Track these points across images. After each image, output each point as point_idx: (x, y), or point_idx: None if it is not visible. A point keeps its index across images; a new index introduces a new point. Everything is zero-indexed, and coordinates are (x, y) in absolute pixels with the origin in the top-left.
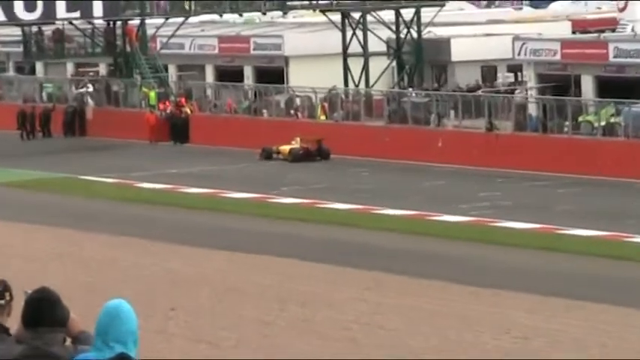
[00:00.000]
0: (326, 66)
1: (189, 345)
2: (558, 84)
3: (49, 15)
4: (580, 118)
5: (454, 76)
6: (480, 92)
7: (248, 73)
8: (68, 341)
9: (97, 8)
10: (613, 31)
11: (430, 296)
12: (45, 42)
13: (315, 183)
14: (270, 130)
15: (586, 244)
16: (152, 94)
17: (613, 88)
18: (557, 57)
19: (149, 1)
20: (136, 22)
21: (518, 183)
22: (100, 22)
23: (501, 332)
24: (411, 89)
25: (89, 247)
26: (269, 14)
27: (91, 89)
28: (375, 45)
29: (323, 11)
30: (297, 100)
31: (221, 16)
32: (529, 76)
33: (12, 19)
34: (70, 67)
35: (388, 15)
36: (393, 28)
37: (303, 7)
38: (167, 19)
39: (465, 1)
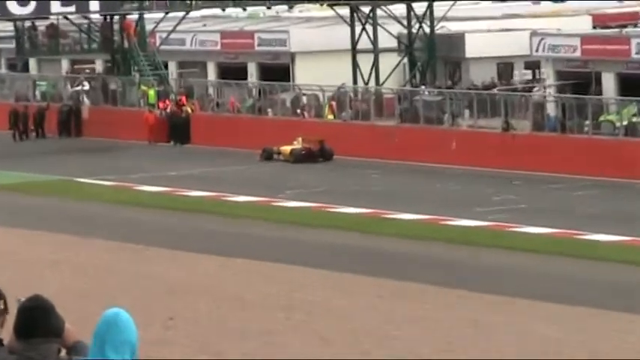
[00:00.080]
0: (334, 63)
1: (190, 357)
2: (578, 81)
3: (43, 9)
4: (601, 118)
5: (469, 74)
6: (495, 90)
7: (252, 70)
8: (63, 352)
9: (94, 2)
10: (635, 25)
11: (444, 305)
12: (39, 38)
13: (322, 185)
14: (275, 130)
15: (607, 250)
16: (151, 92)
17: (636, 85)
18: (577, 53)
19: None
20: (135, 16)
21: (536, 185)
22: (96, 17)
23: (518, 344)
24: (423, 87)
25: (85, 253)
26: (274, 8)
27: (87, 87)
28: (385, 41)
29: (331, 5)
30: (304, 99)
31: (224, 10)
32: (547, 74)
33: (4, 14)
34: (65, 64)
35: (399, 9)
36: (405, 22)
37: (309, 1)
38: (167, 13)
39: None
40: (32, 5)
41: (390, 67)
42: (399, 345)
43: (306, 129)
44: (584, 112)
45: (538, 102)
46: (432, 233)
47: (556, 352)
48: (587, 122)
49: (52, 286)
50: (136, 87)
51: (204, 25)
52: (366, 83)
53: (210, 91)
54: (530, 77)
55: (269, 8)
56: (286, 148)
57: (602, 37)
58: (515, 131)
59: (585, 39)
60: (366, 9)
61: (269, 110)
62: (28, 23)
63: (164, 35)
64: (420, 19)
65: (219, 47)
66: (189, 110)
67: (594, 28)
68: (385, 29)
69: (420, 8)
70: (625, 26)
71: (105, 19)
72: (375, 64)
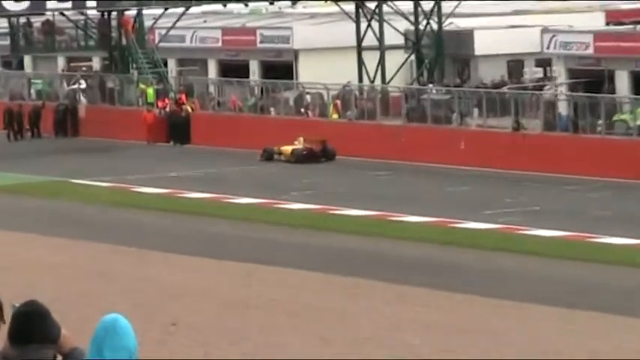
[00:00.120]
0: (338, 60)
1: (191, 356)
2: (591, 80)
3: (38, 5)
4: (614, 117)
5: (478, 72)
6: (505, 89)
7: (254, 68)
8: (59, 359)
9: None
10: None
11: (453, 310)
12: (34, 34)
13: (326, 187)
14: (278, 130)
15: (620, 253)
16: (150, 90)
17: None
18: (590, 50)
19: None
20: (133, 12)
21: (548, 187)
22: (93, 13)
23: (529, 351)
24: (430, 85)
25: (82, 257)
26: (277, 4)
27: (83, 85)
28: (391, 37)
29: (335, 0)
30: (308, 98)
31: (225, 5)
32: (559, 72)
33: None
34: (61, 62)
35: (406, 5)
36: (412, 19)
37: None
38: (166, 9)
39: None
40: (27, 1)
41: (396, 64)
42: (406, 350)
43: (310, 129)
44: (596, 111)
45: (549, 101)
46: (439, 236)
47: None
48: (600, 122)
49: (48, 290)
50: (135, 85)
51: (205, 22)
52: (372, 81)
53: (211, 89)
54: (541, 75)
55: (272, 4)
56: (287, 148)
57: (615, 33)
58: (525, 131)
59: (598, 36)
60: (371, 5)
61: (272, 109)
62: (23, 19)
63: (163, 32)
64: (428, 15)
65: (220, 44)
66: (189, 109)
67: (607, 24)
68: (392, 26)
69: (427, 4)
70: (639, 22)
71: (102, 15)
72: (381, 62)
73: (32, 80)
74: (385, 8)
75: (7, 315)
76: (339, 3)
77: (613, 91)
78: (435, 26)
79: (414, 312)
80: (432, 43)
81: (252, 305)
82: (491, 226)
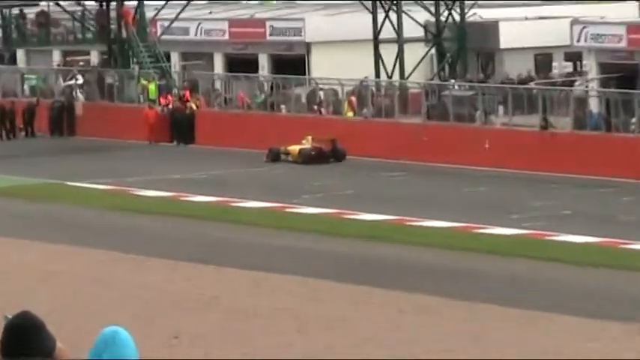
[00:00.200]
0: (354, 54)
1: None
2: (624, 75)
3: None
4: None
5: (503, 66)
6: (533, 84)
7: (263, 62)
8: None
9: None
10: None
11: (474, 320)
12: (27, 27)
13: (339, 189)
14: (289, 129)
15: None
16: (152, 86)
17: None
18: (623, 43)
19: None
20: (133, 3)
21: (578, 189)
22: (91, 4)
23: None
24: (452, 81)
25: (79, 264)
26: None
27: (80, 81)
28: (411, 30)
29: None
30: (321, 94)
31: None
32: (590, 66)
33: None
34: (56, 56)
35: None
36: (432, 9)
37: None
38: None
39: None
40: None
41: (415, 58)
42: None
43: (323, 127)
44: (630, 108)
45: (580, 97)
46: (461, 242)
47: None
48: (634, 120)
49: (43, 300)
50: (135, 81)
51: (211, 13)
52: (390, 77)
53: (217, 85)
54: (570, 70)
55: None
56: (295, 148)
57: None
58: (554, 129)
59: (632, 27)
60: None
61: (282, 106)
62: (15, 11)
63: (166, 24)
64: (450, 6)
65: (226, 37)
66: (194, 106)
67: None
68: (411, 17)
69: None
70: None
71: (101, 5)
72: (400, 56)
73: (26, 76)
74: None
75: None
76: None
77: None
78: (457, 17)
79: (433, 323)
80: (454, 36)
81: (258, 315)
82: (517, 232)
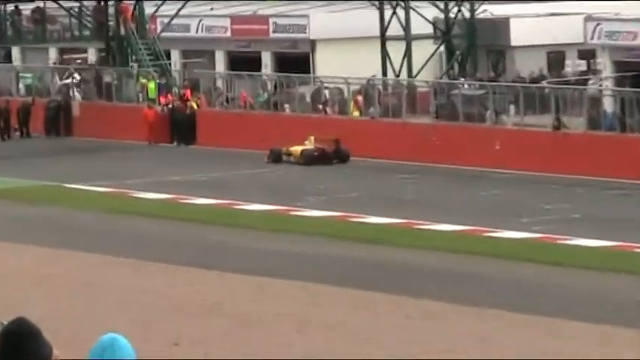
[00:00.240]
0: (360, 52)
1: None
2: (639, 73)
3: None
4: None
5: (514, 64)
6: (545, 83)
7: (266, 60)
8: None
9: None
10: None
11: (482, 326)
12: (23, 23)
13: (344, 191)
14: (293, 129)
15: None
16: (151, 85)
17: None
18: (638, 41)
19: None
20: None
21: (591, 192)
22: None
23: None
24: (462, 80)
25: (76, 269)
26: None
27: (78, 80)
28: (419, 26)
29: None
30: (326, 93)
31: None
32: (604, 64)
33: None
34: (52, 54)
35: None
36: (441, 6)
37: None
38: None
39: None
40: None
41: (424, 56)
42: None
43: (329, 127)
44: None
45: (593, 96)
46: (470, 246)
47: None
48: None
49: (39, 305)
50: (134, 79)
51: (212, 9)
52: (397, 75)
53: (219, 84)
54: (584, 68)
55: None
56: (297, 149)
57: None
58: (567, 130)
59: None
60: None
61: (286, 106)
62: (10, 7)
63: (166, 20)
64: (459, 2)
65: (228, 34)
66: (195, 106)
67: None
68: (419, 13)
69: None
70: None
71: (98, 1)
72: (408, 54)
73: (21, 74)
74: None
75: None
76: None
77: None
78: (466, 14)
79: (440, 328)
80: (464, 33)
81: (261, 321)
82: (528, 235)
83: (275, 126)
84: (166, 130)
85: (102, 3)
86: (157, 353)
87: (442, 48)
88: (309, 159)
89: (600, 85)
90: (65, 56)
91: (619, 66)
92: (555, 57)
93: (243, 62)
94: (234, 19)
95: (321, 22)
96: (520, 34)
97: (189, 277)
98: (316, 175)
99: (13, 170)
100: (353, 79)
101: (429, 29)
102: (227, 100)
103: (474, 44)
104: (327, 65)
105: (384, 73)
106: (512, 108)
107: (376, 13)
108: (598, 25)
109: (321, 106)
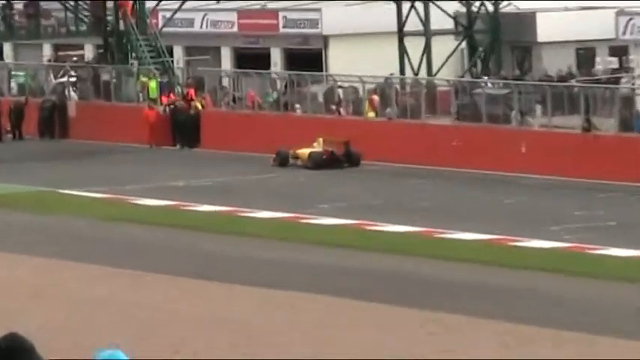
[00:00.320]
0: (376, 48)
1: None
2: None
3: None
4: None
5: (541, 62)
6: (574, 82)
7: (276, 57)
8: None
9: None
10: None
11: (510, 343)
12: (15, 18)
13: (359, 198)
14: (304, 131)
15: None
16: (152, 84)
17: None
18: None
19: None
20: None
21: (625, 197)
22: None
23: None
24: (485, 78)
25: (72, 281)
26: None
27: (74, 78)
28: (439, 21)
29: None
30: (340, 92)
31: None
32: (637, 62)
33: None
34: (47, 50)
35: None
36: None
37: None
38: None
39: None
40: None
41: (444, 53)
42: None
43: (342, 129)
44: None
45: (626, 96)
46: (495, 257)
47: None
48: None
49: (32, 319)
50: (134, 78)
51: (218, 2)
52: (416, 73)
53: (225, 82)
54: (616, 66)
55: None
56: (304, 152)
57: None
58: (597, 131)
59: None
60: None
61: (297, 106)
62: (2, 1)
63: (168, 14)
64: None
65: (235, 29)
66: (199, 106)
67: None
68: (439, 7)
69: None
70: None
71: None
72: (427, 50)
73: (13, 72)
74: None
75: None
76: None
77: None
78: (490, 7)
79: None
80: (487, 28)
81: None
82: (558, 245)
83: (285, 128)
84: (168, 131)
85: None
86: None
87: (464, 44)
88: (317, 162)
89: (633, 84)
90: (60, 53)
91: None
92: (585, 54)
93: (251, 59)
94: (242, 13)
95: (334, 17)
96: (547, 29)
97: (191, 289)
98: (327, 180)
99: (5, 175)
100: (368, 78)
101: (449, 24)
102: (234, 100)
103: (498, 40)
104: (341, 63)
105: (402, 72)
106: (538, 108)
107: (393, 7)
108: (631, 19)
109: (334, 107)
